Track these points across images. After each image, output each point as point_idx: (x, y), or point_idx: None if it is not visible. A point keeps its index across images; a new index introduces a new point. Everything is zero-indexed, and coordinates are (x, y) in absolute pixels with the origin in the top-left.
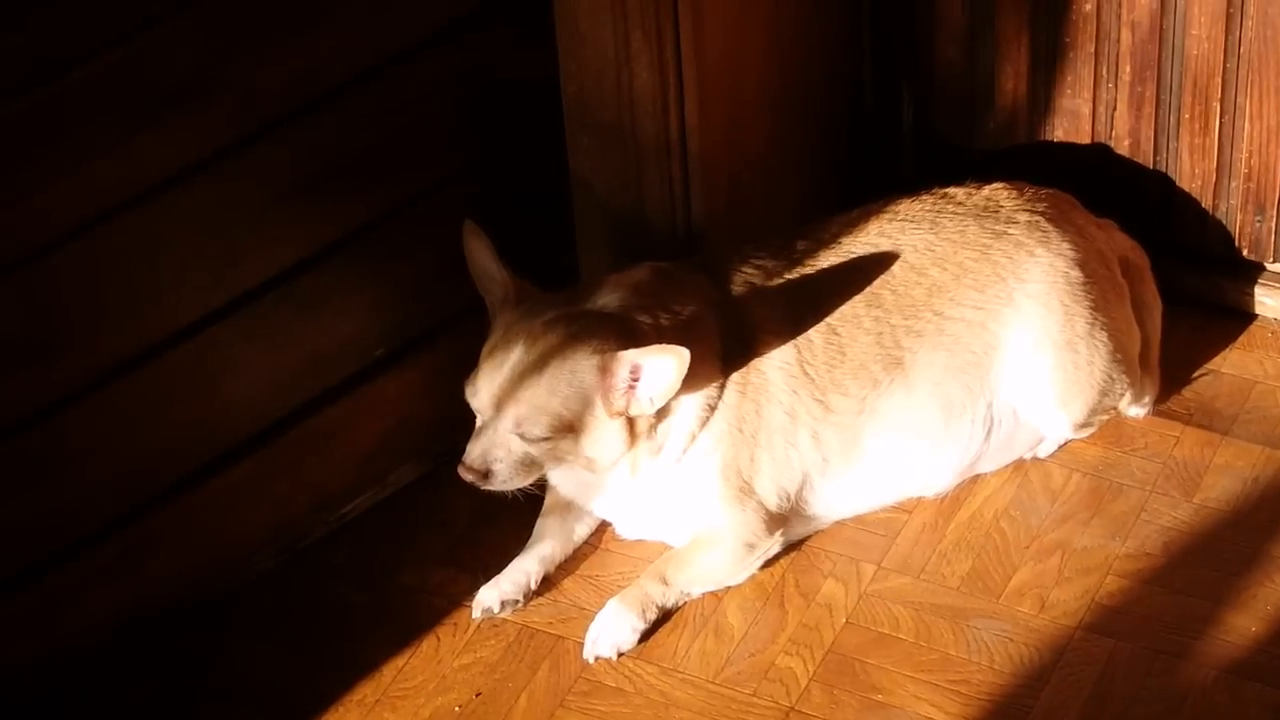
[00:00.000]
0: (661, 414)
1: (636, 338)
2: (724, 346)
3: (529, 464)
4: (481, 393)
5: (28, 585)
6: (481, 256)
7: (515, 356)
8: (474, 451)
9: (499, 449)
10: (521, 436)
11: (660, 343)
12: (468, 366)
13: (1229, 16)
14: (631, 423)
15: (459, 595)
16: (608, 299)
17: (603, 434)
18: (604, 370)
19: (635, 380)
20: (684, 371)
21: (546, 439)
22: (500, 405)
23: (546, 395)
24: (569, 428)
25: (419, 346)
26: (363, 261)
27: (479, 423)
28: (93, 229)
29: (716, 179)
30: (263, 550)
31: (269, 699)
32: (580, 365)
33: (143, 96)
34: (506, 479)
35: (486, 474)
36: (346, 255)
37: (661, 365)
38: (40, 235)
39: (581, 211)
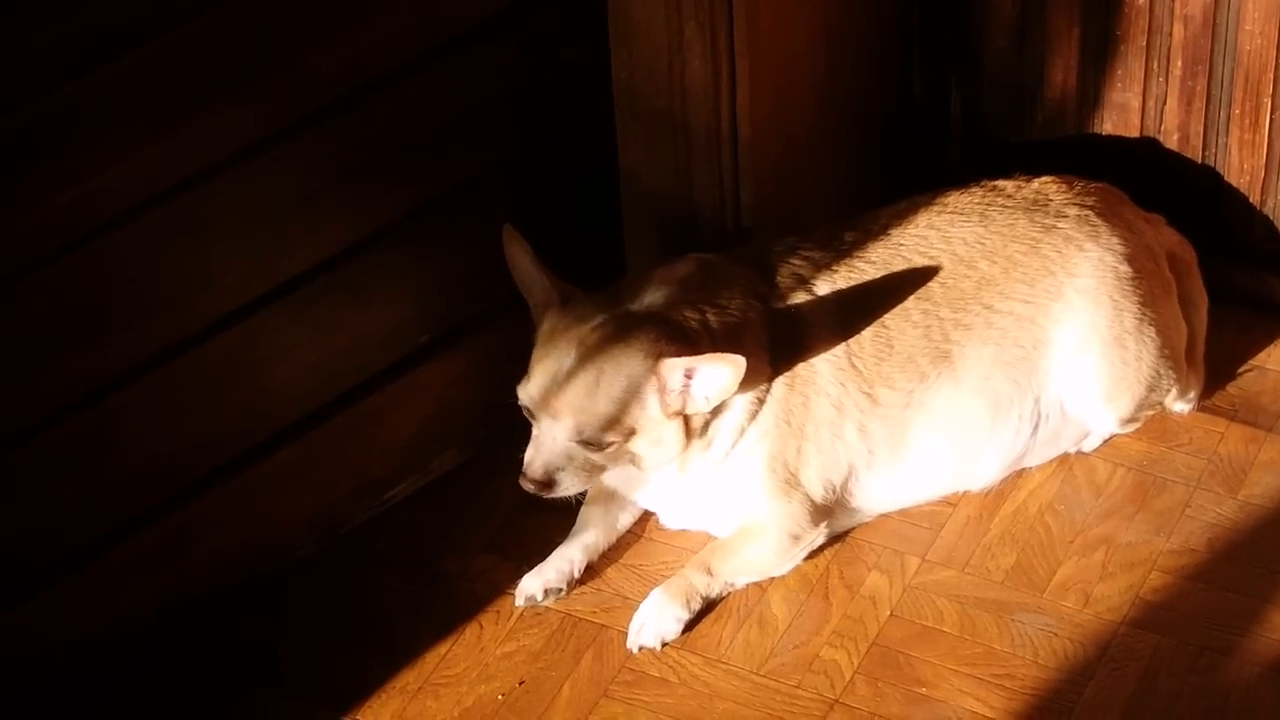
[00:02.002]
0: (715, 411)
1: (686, 336)
2: (771, 341)
3: (590, 468)
4: (537, 401)
5: (71, 570)
6: (522, 260)
7: (568, 364)
8: (536, 463)
9: (561, 458)
10: (584, 445)
11: (709, 339)
12: (511, 354)
13: None
14: (687, 420)
15: (501, 583)
16: (653, 296)
17: (662, 434)
18: (658, 373)
19: (689, 379)
20: (740, 378)
21: (609, 444)
22: (558, 414)
23: (606, 403)
24: (630, 431)
25: (463, 333)
26: (409, 248)
27: (535, 431)
28: (142, 214)
29: (766, 169)
30: (305, 536)
31: (311, 685)
32: (635, 370)
33: (193, 82)
34: (570, 486)
35: (550, 484)
36: (393, 242)
37: (717, 371)
38: (90, 220)
39: (629, 200)
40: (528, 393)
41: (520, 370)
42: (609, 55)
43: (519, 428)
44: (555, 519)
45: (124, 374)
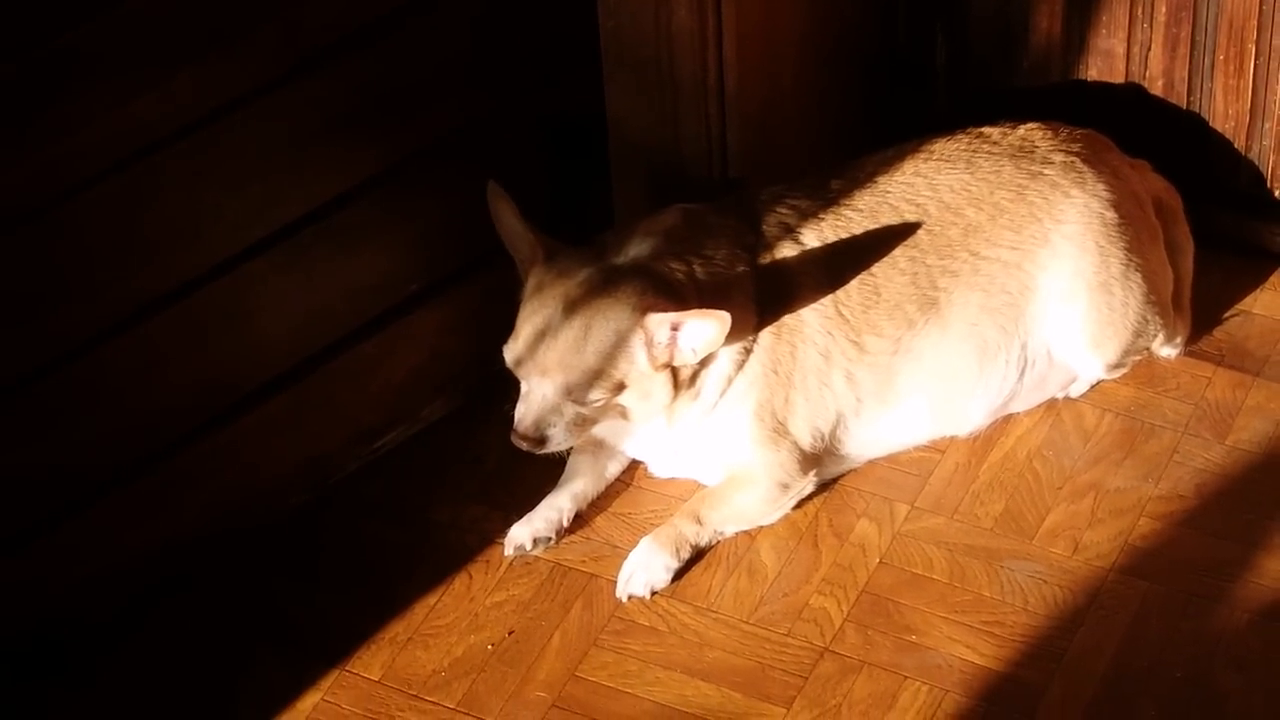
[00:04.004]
0: (702, 361)
1: (672, 289)
2: (758, 291)
3: (581, 423)
4: (525, 359)
5: (62, 520)
6: (506, 217)
7: (555, 321)
8: (527, 419)
9: (552, 414)
10: (573, 400)
11: (695, 291)
12: (500, 302)
13: None
14: (675, 372)
15: (491, 532)
16: (639, 249)
17: (650, 387)
18: (645, 327)
19: (675, 332)
20: (726, 333)
21: (598, 399)
22: (546, 371)
23: (594, 358)
24: (619, 385)
25: (452, 282)
26: (399, 197)
27: (524, 388)
28: (133, 164)
29: (752, 117)
30: (296, 485)
31: (300, 635)
32: (622, 324)
33: (183, 33)
34: (561, 441)
35: (542, 440)
36: (383, 191)
37: (703, 326)
38: (81, 171)
39: (617, 149)
40: (514, 351)
41: (507, 324)
42: (596, 4)
43: (509, 376)
44: (544, 467)
45: (114, 324)
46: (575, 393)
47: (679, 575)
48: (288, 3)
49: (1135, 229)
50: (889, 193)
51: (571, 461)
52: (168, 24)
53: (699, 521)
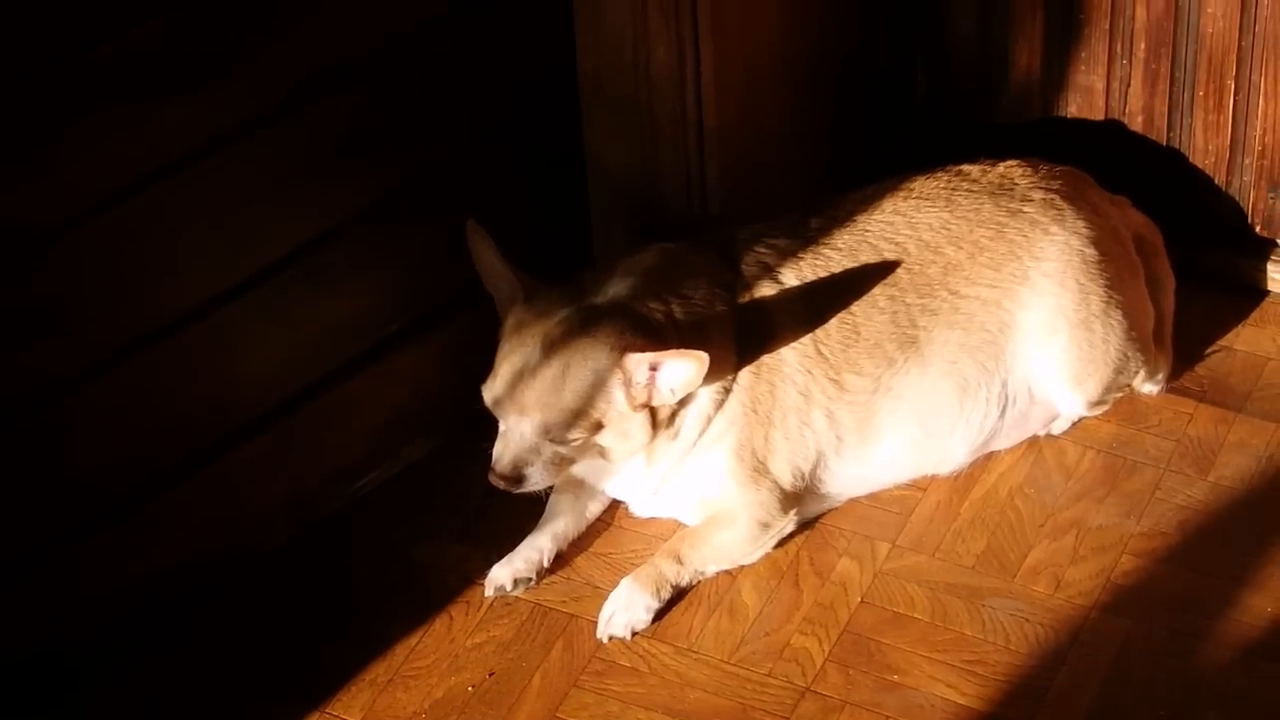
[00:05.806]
0: (681, 401)
1: (651, 329)
2: (737, 329)
3: (559, 462)
4: (503, 399)
5: (43, 559)
6: (486, 256)
7: (534, 361)
8: (505, 459)
9: (530, 454)
10: (553, 441)
11: (674, 332)
12: (482, 341)
13: None
14: (654, 412)
15: (472, 573)
16: (618, 288)
17: (628, 427)
18: (623, 367)
19: (654, 372)
20: (704, 373)
21: (576, 438)
22: (525, 410)
23: (572, 397)
24: (596, 425)
25: (433, 321)
26: (378, 237)
27: (502, 427)
28: (112, 205)
29: (732, 155)
30: (277, 525)
31: (281, 677)
32: (600, 364)
33: (163, 73)
34: (539, 480)
35: (519, 479)
36: (362, 231)
37: (681, 366)
38: (61, 211)
39: (596, 187)
40: (493, 391)
41: (488, 362)
42: (574, 41)
43: (489, 415)
44: (525, 507)
45: (96, 363)
46: (553, 432)
47: (660, 615)
48: (269, 42)
49: (1115, 266)
50: (868, 231)
51: (552, 501)
52: (148, 63)
53: (680, 561)
